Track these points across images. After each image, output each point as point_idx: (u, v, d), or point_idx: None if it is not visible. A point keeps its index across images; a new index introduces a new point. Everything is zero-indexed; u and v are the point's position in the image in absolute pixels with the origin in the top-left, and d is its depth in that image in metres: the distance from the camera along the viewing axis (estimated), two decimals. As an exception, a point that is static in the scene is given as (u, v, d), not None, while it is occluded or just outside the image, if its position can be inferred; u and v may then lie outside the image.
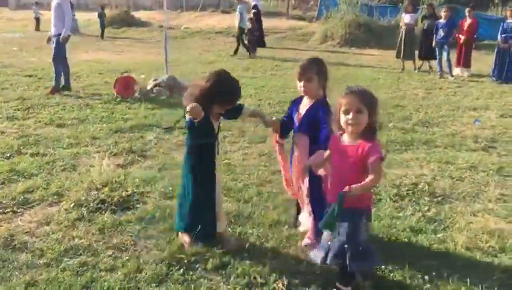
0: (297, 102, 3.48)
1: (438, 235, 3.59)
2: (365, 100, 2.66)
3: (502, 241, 3.51)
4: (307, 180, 3.33)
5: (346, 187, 2.56)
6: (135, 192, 4.30)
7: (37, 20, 25.84)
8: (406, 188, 4.56)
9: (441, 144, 6.17)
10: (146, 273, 2.97)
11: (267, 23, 25.43)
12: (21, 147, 5.65)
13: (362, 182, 2.59)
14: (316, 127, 3.21)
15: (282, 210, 3.93)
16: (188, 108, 3.03)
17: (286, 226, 3.67)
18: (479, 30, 13.15)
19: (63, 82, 9.36)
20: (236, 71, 12.58)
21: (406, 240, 3.54)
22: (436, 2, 18.40)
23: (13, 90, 9.36)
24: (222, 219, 3.45)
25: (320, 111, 3.23)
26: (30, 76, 11.22)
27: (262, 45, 18.18)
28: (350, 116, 2.65)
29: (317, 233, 3.18)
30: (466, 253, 3.35)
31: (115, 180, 4.52)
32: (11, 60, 14.19)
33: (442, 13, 12.50)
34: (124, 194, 4.19)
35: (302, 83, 3.29)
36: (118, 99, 8.51)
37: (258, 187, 4.53)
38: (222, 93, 3.17)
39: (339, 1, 21.68)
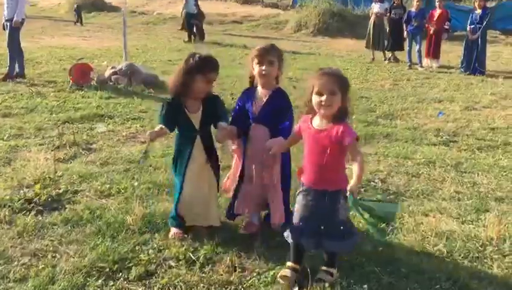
0: (250, 92, 3.32)
1: (385, 238, 3.39)
2: (339, 82, 2.64)
3: (451, 244, 3.32)
4: (277, 167, 3.22)
5: (348, 189, 2.60)
6: (68, 190, 3.99)
7: None
8: (358, 185, 4.35)
9: (402, 138, 5.99)
10: (59, 285, 2.68)
11: (241, 10, 25.05)
12: (-45, 139, 5.28)
13: (356, 174, 2.62)
14: (277, 118, 3.14)
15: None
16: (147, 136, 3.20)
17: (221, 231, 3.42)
18: (451, 21, 13.03)
19: (17, 69, 8.93)
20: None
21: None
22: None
23: (-38, 77, 8.88)
24: (206, 217, 3.36)
25: (284, 102, 3.20)
26: (-16, 62, 10.72)
27: None
28: (324, 98, 2.60)
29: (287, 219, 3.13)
30: (412, 258, 3.15)
31: (49, 177, 4.21)
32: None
33: (415, 2, 12.36)
34: (54, 192, 3.88)
35: (263, 67, 3.15)
36: (73, 88, 8.13)
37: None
38: (197, 62, 3.16)
39: (313, -11, 21.43)
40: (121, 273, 2.84)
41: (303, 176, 2.83)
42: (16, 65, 8.86)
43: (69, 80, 8.38)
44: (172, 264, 2.95)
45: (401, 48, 12.61)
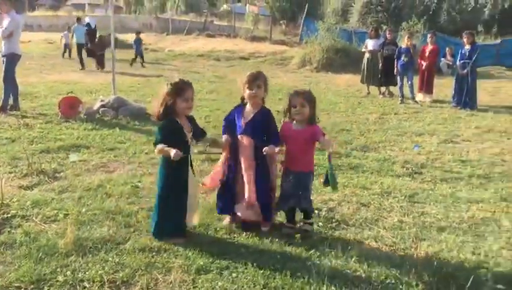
0: (240, 109, 4.00)
1: (308, 263, 3.43)
2: (306, 97, 3.85)
3: (371, 269, 3.35)
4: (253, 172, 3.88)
5: (329, 150, 3.92)
6: (17, 215, 4.15)
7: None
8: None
9: (368, 169, 6.05)
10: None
11: (250, 47, 25.62)
12: None
13: (326, 140, 3.85)
14: (261, 131, 3.87)
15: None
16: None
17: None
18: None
19: (12, 102, 9.29)
20: (201, 94, 12.55)
21: (273, 267, 3.37)
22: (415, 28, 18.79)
23: (-38, 110, 9.26)
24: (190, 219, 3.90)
25: (269, 118, 3.90)
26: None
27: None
28: (297, 109, 3.81)
29: (268, 217, 4.03)
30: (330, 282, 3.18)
31: (3, 202, 4.38)
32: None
33: (406, 38, 12.58)
34: (1, 217, 4.04)
35: (254, 90, 3.84)
36: (61, 120, 8.42)
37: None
38: (173, 86, 3.65)
39: (318, 27, 21.91)
40: (34, 294, 2.95)
41: (285, 164, 3.99)
42: (11, 98, 9.23)
43: (59, 113, 8.69)
44: (87, 285, 3.04)
45: (394, 84, 12.74)
